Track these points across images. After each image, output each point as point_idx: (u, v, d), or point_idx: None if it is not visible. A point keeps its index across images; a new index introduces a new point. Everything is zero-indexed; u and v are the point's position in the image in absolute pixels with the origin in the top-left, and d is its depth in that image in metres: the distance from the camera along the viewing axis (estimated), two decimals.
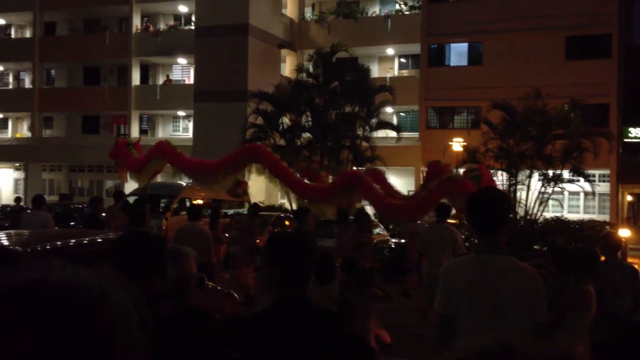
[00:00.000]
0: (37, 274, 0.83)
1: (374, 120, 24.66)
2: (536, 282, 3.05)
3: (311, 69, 25.36)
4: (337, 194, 13.65)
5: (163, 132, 36.82)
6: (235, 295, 7.56)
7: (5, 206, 24.70)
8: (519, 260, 3.14)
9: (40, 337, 0.77)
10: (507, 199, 3.48)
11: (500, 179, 19.67)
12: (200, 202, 18.87)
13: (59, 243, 5.85)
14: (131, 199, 17.02)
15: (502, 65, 28.28)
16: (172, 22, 35.86)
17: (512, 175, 19.39)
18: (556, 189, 19.82)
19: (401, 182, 31.48)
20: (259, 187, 24.90)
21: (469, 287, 3.05)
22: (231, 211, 21.39)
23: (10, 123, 40.45)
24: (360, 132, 24.62)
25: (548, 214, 20.75)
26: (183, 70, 36.48)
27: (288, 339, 2.48)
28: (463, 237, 14.11)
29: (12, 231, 7.74)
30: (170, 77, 36.38)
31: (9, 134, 40.22)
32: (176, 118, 36.82)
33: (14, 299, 0.79)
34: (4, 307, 0.78)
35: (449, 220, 10.28)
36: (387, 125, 25.73)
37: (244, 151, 15.35)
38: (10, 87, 40.38)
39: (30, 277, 0.82)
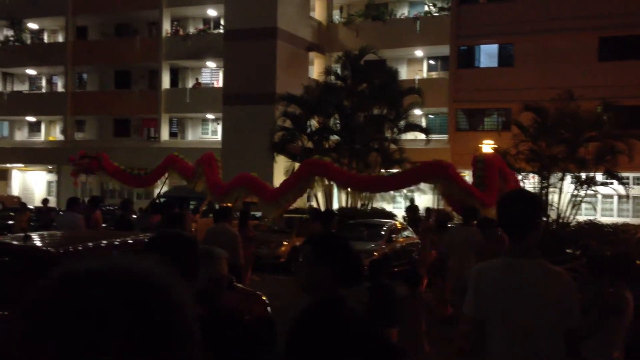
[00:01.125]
0: (106, 261, 0.85)
1: (402, 123, 24.54)
2: (569, 286, 2.97)
3: (339, 72, 25.34)
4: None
5: (192, 135, 37.12)
6: (264, 297, 7.56)
7: (38, 208, 25.12)
8: (551, 264, 3.07)
9: (121, 319, 0.78)
10: (538, 201, 3.41)
11: (532, 181, 19.43)
12: (229, 204, 18.96)
13: (90, 244, 5.92)
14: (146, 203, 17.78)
15: (534, 67, 27.93)
16: (201, 26, 36.16)
17: (544, 178, 19.11)
18: (589, 191, 19.49)
19: (431, 185, 31.27)
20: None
21: (499, 291, 2.97)
22: (259, 213, 21.44)
23: (43, 126, 41.14)
24: (388, 134, 24.52)
25: (581, 217, 20.42)
26: (212, 74, 36.74)
27: (334, 340, 2.47)
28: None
29: (45, 232, 7.86)
30: (200, 81, 36.68)
31: (42, 137, 40.91)
32: (205, 121, 37.10)
33: (92, 285, 0.81)
34: (83, 293, 0.80)
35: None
36: (416, 127, 25.60)
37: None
38: (44, 90, 41.08)
39: (101, 264, 0.85)
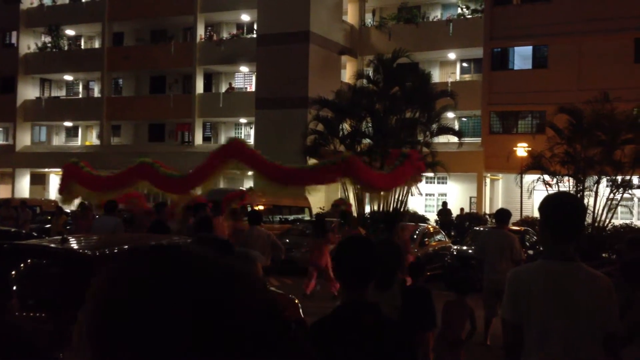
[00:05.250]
0: (185, 257, 0.88)
1: (435, 126, 24.44)
2: (609, 290, 2.93)
3: (371, 75, 25.35)
4: None
5: (225, 139, 37.41)
6: (296, 300, 7.61)
7: (73, 212, 25.55)
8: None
9: (191, 316, 0.79)
10: (584, 204, 3.43)
11: (567, 184, 19.20)
12: (261, 207, 19.12)
13: (126, 247, 6.05)
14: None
15: (569, 68, 27.56)
16: (234, 31, 36.50)
17: (579, 182, 18.88)
18: (625, 195, 19.19)
19: (463, 188, 31.07)
20: (319, 195, 24.98)
21: (539, 294, 2.93)
22: (291, 217, 21.57)
23: (80, 131, 41.91)
24: (421, 137, 24.43)
25: (617, 221, 20.10)
26: (245, 78, 37.04)
27: (358, 345, 2.50)
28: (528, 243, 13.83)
29: (82, 236, 8.04)
30: (233, 85, 37.00)
31: (78, 141, 41.66)
32: (238, 125, 37.40)
33: (165, 281, 0.83)
34: (159, 288, 0.82)
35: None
36: (449, 130, 25.47)
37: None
38: (80, 96, 41.85)
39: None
